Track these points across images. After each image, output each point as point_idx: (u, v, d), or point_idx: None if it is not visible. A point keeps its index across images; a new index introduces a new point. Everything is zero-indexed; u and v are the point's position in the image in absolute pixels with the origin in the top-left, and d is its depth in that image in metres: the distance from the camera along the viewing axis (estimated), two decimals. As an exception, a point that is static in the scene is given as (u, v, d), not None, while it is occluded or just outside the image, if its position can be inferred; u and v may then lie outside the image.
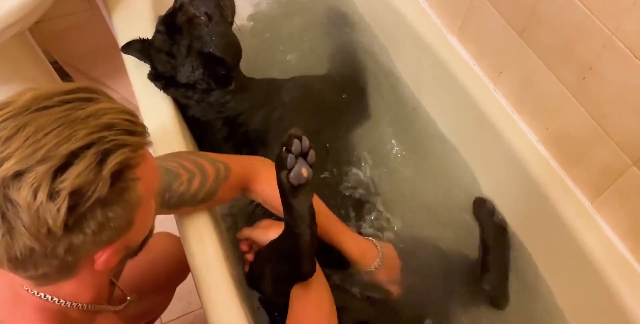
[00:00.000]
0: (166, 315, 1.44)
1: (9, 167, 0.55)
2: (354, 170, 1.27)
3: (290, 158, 0.79)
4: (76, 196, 0.56)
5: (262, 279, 0.98)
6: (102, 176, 0.57)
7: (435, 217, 1.27)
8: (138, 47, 1.21)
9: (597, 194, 1.05)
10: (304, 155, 0.81)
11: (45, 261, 0.60)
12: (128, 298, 0.82)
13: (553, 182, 1.11)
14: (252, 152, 1.18)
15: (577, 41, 0.99)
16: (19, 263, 0.59)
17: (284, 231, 0.90)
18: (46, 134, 0.56)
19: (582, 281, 1.06)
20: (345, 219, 1.13)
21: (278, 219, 1.03)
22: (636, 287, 0.98)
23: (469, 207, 1.28)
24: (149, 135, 0.65)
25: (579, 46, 0.99)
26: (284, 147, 0.80)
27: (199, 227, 0.99)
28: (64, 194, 0.55)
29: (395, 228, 1.20)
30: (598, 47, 0.95)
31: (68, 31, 1.77)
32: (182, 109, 1.20)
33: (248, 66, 1.25)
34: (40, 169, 0.55)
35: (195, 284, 0.94)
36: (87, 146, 0.57)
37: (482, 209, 1.25)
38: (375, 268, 1.03)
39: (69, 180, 0.55)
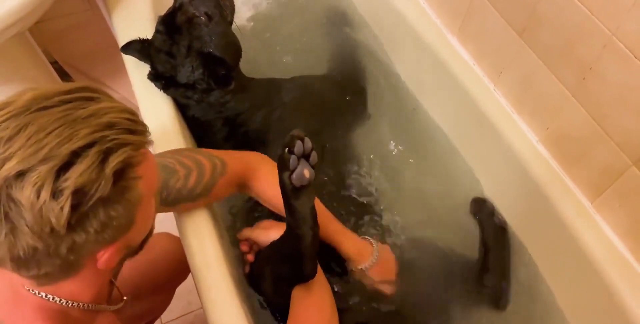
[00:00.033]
0: (166, 315, 1.44)
1: (12, 167, 0.55)
2: (354, 170, 1.27)
3: (292, 159, 0.79)
4: (79, 195, 0.56)
5: (262, 280, 0.98)
6: (105, 174, 0.57)
7: (435, 218, 1.27)
8: (138, 47, 1.21)
9: (597, 194, 1.05)
10: (306, 156, 0.81)
11: (48, 260, 0.60)
12: (124, 298, 0.82)
13: (553, 182, 1.11)
14: (253, 152, 1.18)
15: (577, 41, 0.99)
16: (22, 263, 0.59)
17: (285, 232, 0.90)
18: (48, 134, 0.56)
19: (582, 281, 1.06)
20: (345, 219, 1.13)
21: (278, 219, 1.04)
22: (636, 287, 0.98)
23: (468, 207, 1.28)
24: (150, 134, 0.65)
25: (579, 46, 0.99)
26: (286, 149, 0.80)
27: (198, 227, 0.99)
28: (67, 193, 0.56)
29: (395, 228, 1.20)
30: (598, 48, 0.95)
31: (68, 31, 1.77)
32: (182, 109, 1.20)
33: (248, 66, 1.25)
34: (43, 168, 0.55)
35: (195, 284, 0.94)
36: (89, 145, 0.57)
37: (482, 209, 1.25)
38: (369, 266, 1.03)
39: (72, 179, 0.56)
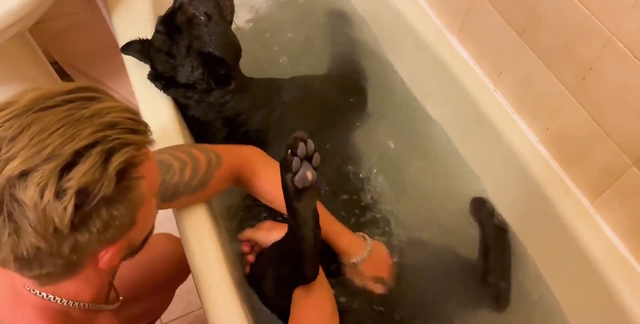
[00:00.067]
0: (166, 315, 1.44)
1: (15, 166, 0.55)
2: (354, 170, 1.27)
3: (295, 161, 0.79)
4: (82, 194, 0.57)
5: (263, 281, 0.98)
6: (108, 174, 0.58)
7: (435, 218, 1.27)
8: (137, 48, 1.21)
9: (597, 194, 1.05)
10: (308, 158, 0.81)
11: (51, 260, 0.60)
12: (120, 298, 0.82)
13: (553, 182, 1.11)
14: (252, 152, 1.18)
15: (577, 41, 0.99)
16: (25, 262, 0.60)
17: (287, 234, 0.90)
18: (51, 134, 0.56)
19: (582, 281, 1.06)
20: (345, 219, 1.13)
21: (273, 214, 1.03)
22: (636, 287, 0.98)
23: (468, 207, 1.28)
24: (152, 133, 0.66)
25: (579, 46, 0.99)
26: (289, 150, 0.80)
27: (199, 227, 0.99)
28: (70, 192, 0.56)
29: (395, 228, 1.20)
30: (598, 48, 0.95)
31: (68, 31, 1.77)
32: (182, 109, 1.20)
33: (248, 66, 1.25)
34: (46, 168, 0.55)
35: (195, 284, 0.94)
36: (92, 145, 0.57)
37: (482, 209, 1.25)
38: (361, 261, 1.03)
39: (75, 179, 0.56)
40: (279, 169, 1.01)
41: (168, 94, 1.19)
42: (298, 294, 0.90)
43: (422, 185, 1.32)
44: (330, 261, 1.05)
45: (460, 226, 1.26)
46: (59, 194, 0.56)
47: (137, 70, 1.21)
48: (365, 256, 1.03)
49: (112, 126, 0.60)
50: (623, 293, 0.98)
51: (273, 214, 1.13)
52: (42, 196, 0.55)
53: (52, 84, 0.73)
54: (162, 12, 1.19)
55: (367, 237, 1.06)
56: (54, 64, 1.78)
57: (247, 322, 0.89)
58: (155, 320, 1.31)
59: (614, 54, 0.92)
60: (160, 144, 1.06)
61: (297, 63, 1.47)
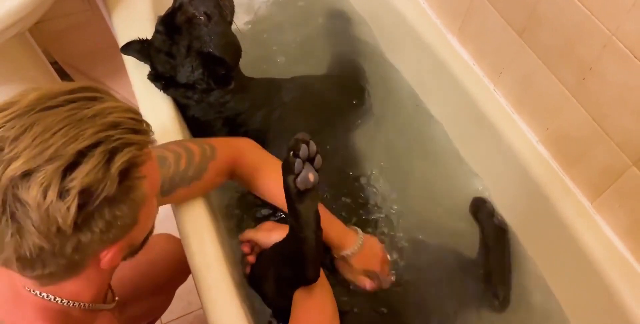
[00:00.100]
0: (166, 315, 1.44)
1: (18, 167, 0.55)
2: (354, 169, 1.27)
3: (297, 163, 0.79)
4: (85, 194, 0.57)
5: (264, 282, 0.98)
6: (110, 174, 0.58)
7: (435, 218, 1.27)
8: (137, 48, 1.21)
9: (597, 195, 1.05)
10: (310, 160, 0.81)
11: (53, 260, 0.60)
12: (116, 298, 0.82)
13: (553, 182, 1.11)
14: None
15: (577, 41, 0.99)
16: (27, 263, 0.60)
17: (288, 235, 0.90)
18: (53, 134, 0.56)
19: (582, 281, 1.06)
20: (345, 219, 1.13)
21: (273, 218, 1.03)
22: (636, 287, 0.98)
23: (468, 207, 1.28)
24: (153, 133, 0.66)
25: (579, 46, 0.99)
26: (291, 152, 0.80)
27: (199, 227, 0.99)
28: (73, 192, 0.56)
29: (395, 228, 1.20)
30: (598, 48, 0.95)
31: (68, 31, 1.77)
32: (182, 109, 1.20)
33: (248, 67, 1.25)
34: (50, 168, 0.55)
35: (195, 284, 0.94)
36: (95, 145, 0.58)
37: (482, 209, 1.25)
38: (351, 254, 1.02)
39: (79, 179, 0.56)
40: (273, 162, 1.01)
41: (168, 94, 1.19)
42: (299, 295, 0.90)
43: (422, 185, 1.32)
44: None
45: (460, 226, 1.26)
46: (62, 194, 0.56)
47: (137, 70, 1.21)
48: (356, 249, 1.02)
49: (114, 126, 0.60)
50: (623, 293, 0.98)
51: (272, 213, 1.13)
52: (45, 196, 0.55)
53: (53, 84, 0.73)
54: (162, 12, 1.19)
55: (359, 230, 1.06)
56: (54, 64, 1.78)
57: (247, 322, 0.89)
58: (155, 320, 1.31)
59: (614, 54, 0.92)
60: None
61: (297, 63, 1.48)
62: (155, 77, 1.18)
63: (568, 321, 1.11)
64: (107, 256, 0.64)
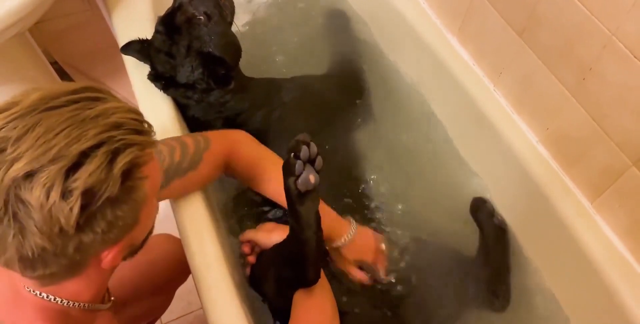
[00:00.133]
0: (166, 315, 1.44)
1: (20, 167, 0.55)
2: (354, 169, 1.27)
3: (298, 165, 0.79)
4: (88, 195, 0.57)
5: (264, 282, 0.98)
6: (113, 175, 0.58)
7: (435, 218, 1.27)
8: (137, 48, 1.21)
9: (597, 195, 1.05)
10: (311, 161, 0.81)
11: (55, 260, 0.60)
12: (112, 298, 0.82)
13: (553, 182, 1.11)
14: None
15: (577, 42, 0.99)
16: (29, 263, 0.60)
17: (288, 236, 0.90)
18: (56, 134, 0.56)
19: (582, 281, 1.06)
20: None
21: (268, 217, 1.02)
22: (636, 287, 0.98)
23: (468, 207, 1.28)
24: (155, 133, 0.66)
25: (579, 47, 0.99)
26: (292, 154, 0.80)
27: (199, 227, 0.99)
28: (76, 193, 0.56)
29: (395, 228, 1.20)
30: (598, 48, 0.95)
31: (68, 31, 1.77)
32: (182, 109, 1.20)
33: (247, 67, 1.25)
34: (53, 169, 0.55)
35: (195, 284, 0.94)
36: (97, 146, 0.58)
37: (482, 209, 1.25)
38: (343, 244, 1.02)
39: (82, 179, 0.56)
40: (270, 156, 1.02)
41: (168, 94, 1.19)
42: (299, 296, 0.90)
43: (422, 185, 1.32)
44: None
45: (460, 226, 1.26)
46: (65, 194, 0.56)
47: (137, 70, 1.21)
48: (348, 240, 1.02)
49: (117, 126, 0.60)
50: (623, 293, 0.98)
51: (271, 212, 1.13)
52: (48, 197, 0.55)
53: (54, 84, 0.73)
54: (162, 12, 1.19)
55: (352, 221, 1.06)
56: (54, 64, 1.78)
57: (247, 322, 0.89)
58: (155, 320, 1.31)
59: (613, 54, 0.92)
60: (160, 144, 1.07)
61: (297, 63, 1.48)
62: (155, 77, 1.18)
63: (568, 321, 1.11)
64: (108, 256, 0.65)
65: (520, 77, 1.16)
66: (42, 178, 0.55)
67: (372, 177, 1.28)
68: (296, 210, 0.83)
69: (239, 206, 1.20)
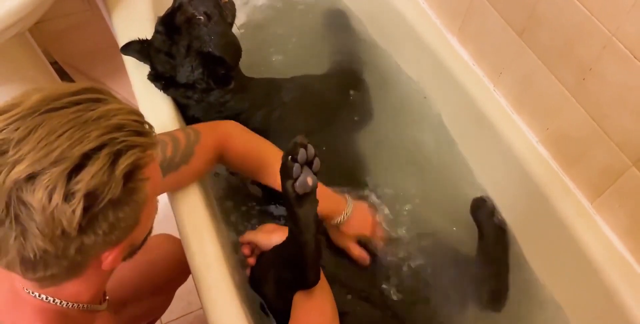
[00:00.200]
0: (166, 315, 1.44)
1: (22, 170, 0.55)
2: (354, 169, 1.27)
3: (296, 167, 0.79)
4: (90, 197, 0.57)
5: (264, 283, 0.98)
6: (115, 176, 0.58)
7: (435, 218, 1.27)
8: (137, 48, 1.21)
9: (597, 195, 1.05)
10: (309, 163, 0.80)
11: (56, 261, 0.60)
12: (107, 298, 0.82)
13: (553, 182, 1.11)
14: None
15: (576, 42, 0.99)
16: (30, 265, 0.60)
17: (288, 238, 0.90)
18: (58, 136, 0.56)
19: (582, 281, 1.07)
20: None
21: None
22: (636, 287, 0.98)
23: (468, 207, 1.28)
24: (156, 135, 0.66)
25: (579, 47, 0.99)
26: (290, 156, 0.79)
27: (199, 227, 0.99)
28: (79, 195, 0.56)
29: (394, 228, 1.20)
30: (598, 48, 0.95)
31: (68, 31, 1.77)
32: (182, 109, 1.20)
33: (247, 67, 1.25)
34: (55, 171, 0.55)
35: (195, 284, 0.94)
36: (100, 148, 0.57)
37: (482, 209, 1.25)
38: (342, 221, 1.05)
39: (84, 181, 0.56)
40: (263, 143, 1.04)
41: (168, 94, 1.19)
42: (299, 297, 0.90)
43: (422, 185, 1.32)
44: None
45: (460, 226, 1.26)
46: (67, 197, 0.55)
47: (137, 70, 1.21)
48: (347, 217, 1.04)
49: (119, 128, 0.60)
50: (623, 293, 0.98)
51: (270, 212, 1.13)
52: (50, 199, 0.55)
53: (54, 84, 0.73)
54: (162, 12, 1.19)
55: (348, 197, 1.08)
56: (54, 64, 1.78)
57: (247, 322, 0.89)
58: (155, 320, 1.31)
59: (613, 55, 0.92)
60: (160, 145, 1.07)
61: (296, 63, 1.47)
62: (155, 77, 1.18)
63: (568, 321, 1.11)
64: (109, 258, 0.64)
65: (520, 77, 1.16)
66: (44, 180, 0.55)
67: (372, 177, 1.28)
68: (295, 213, 0.83)
69: (239, 202, 1.20)
